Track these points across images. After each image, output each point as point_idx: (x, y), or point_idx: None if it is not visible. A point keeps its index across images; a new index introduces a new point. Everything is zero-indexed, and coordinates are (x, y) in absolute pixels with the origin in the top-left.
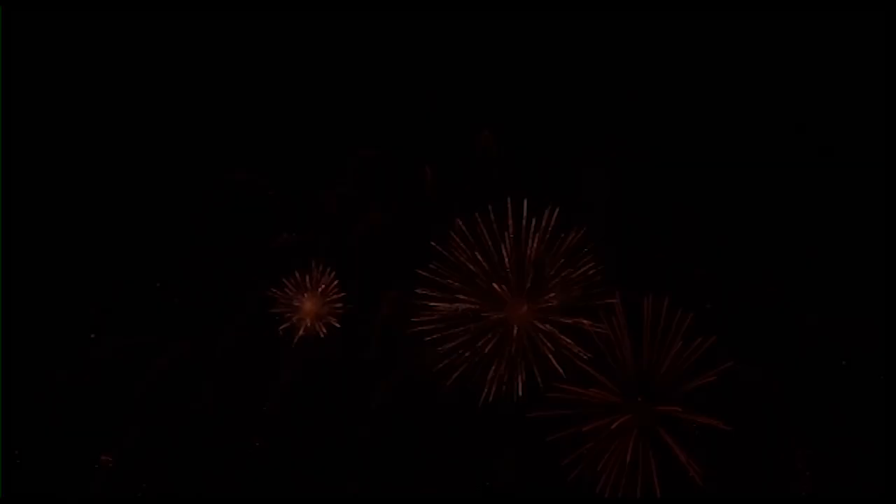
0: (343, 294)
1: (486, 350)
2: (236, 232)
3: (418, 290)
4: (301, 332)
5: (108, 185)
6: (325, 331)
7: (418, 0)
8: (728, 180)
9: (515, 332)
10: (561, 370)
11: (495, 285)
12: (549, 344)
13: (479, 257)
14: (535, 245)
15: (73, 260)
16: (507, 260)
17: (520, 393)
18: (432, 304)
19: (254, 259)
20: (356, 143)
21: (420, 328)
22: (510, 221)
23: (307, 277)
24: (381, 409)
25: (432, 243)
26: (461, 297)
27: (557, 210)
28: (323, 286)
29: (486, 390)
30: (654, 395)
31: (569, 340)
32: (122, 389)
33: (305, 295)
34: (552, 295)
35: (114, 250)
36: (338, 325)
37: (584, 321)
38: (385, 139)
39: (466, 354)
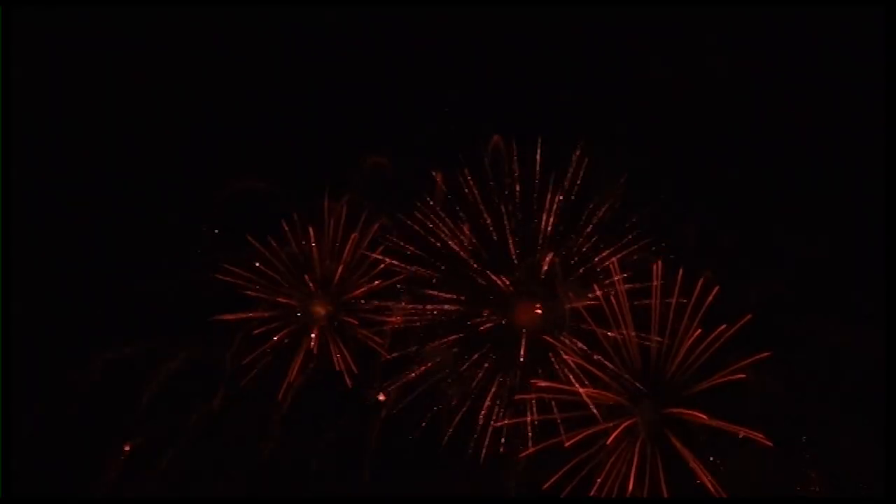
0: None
1: (493, 360)
2: (246, 237)
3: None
4: (293, 377)
5: (119, 190)
6: (352, 363)
7: (427, 8)
8: (728, 179)
9: (524, 341)
10: (577, 384)
11: (498, 280)
12: (563, 354)
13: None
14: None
15: (85, 262)
16: (512, 249)
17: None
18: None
19: (263, 264)
20: (366, 150)
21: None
22: (517, 187)
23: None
24: (390, 417)
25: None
26: (463, 297)
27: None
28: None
29: (493, 406)
30: (663, 394)
31: (582, 345)
32: (131, 391)
33: (311, 286)
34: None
35: (125, 254)
36: (383, 351)
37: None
38: (395, 146)
39: (474, 358)
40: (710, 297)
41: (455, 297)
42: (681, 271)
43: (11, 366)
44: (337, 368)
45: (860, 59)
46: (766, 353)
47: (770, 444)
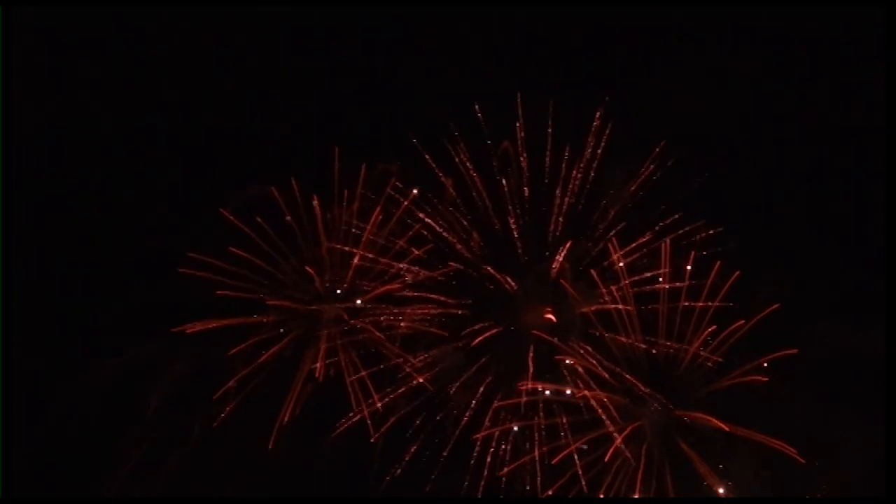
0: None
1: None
2: (255, 245)
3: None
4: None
5: (127, 192)
6: (376, 401)
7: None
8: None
9: (532, 351)
10: (583, 388)
11: (506, 284)
12: (570, 357)
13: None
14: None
15: (93, 264)
16: (521, 253)
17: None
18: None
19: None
20: (375, 157)
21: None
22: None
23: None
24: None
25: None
26: (471, 302)
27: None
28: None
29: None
30: (671, 396)
31: (589, 348)
32: (140, 395)
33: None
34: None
35: (135, 260)
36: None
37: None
38: (405, 153)
39: (481, 362)
40: (732, 280)
41: (464, 301)
42: (692, 254)
43: (14, 366)
44: (354, 409)
45: (860, 59)
46: (792, 350)
47: (786, 450)
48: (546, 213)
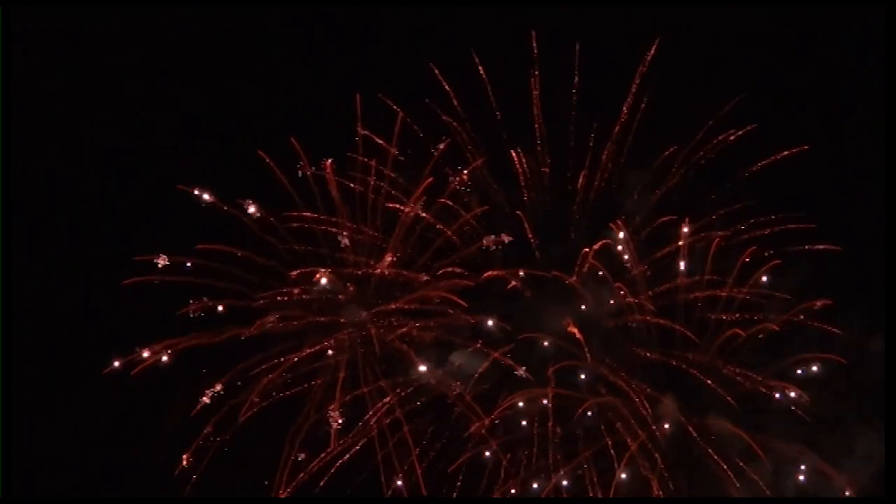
0: None
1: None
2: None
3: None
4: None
5: (137, 208)
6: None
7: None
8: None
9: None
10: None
11: (528, 294)
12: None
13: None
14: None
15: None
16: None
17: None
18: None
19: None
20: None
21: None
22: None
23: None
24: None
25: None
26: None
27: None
28: None
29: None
30: (689, 401)
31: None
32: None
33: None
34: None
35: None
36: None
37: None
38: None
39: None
40: (768, 266)
41: (484, 311)
42: (715, 242)
43: (15, 363)
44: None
45: (860, 59)
46: (840, 359)
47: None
48: (568, 216)
